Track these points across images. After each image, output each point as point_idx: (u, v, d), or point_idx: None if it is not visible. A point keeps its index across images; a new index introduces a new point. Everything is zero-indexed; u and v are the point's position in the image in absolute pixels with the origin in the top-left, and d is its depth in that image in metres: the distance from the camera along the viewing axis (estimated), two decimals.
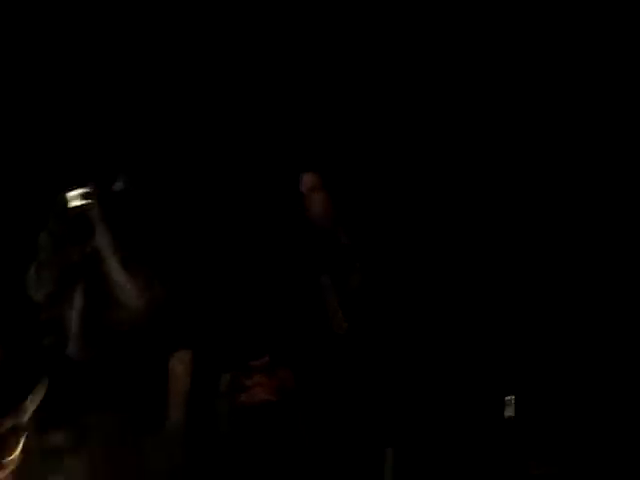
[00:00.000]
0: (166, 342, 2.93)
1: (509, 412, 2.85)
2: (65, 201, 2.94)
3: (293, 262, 2.97)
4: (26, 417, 2.12)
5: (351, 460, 2.69)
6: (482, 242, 3.42)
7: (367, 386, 2.72)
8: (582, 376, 3.16)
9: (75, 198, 2.92)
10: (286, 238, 3.19)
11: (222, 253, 3.53)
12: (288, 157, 3.40)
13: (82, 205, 2.92)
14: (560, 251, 3.42)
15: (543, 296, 3.36)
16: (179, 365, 2.89)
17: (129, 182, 3.01)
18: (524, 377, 3.09)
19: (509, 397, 2.88)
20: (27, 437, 2.13)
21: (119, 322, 2.91)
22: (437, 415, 2.87)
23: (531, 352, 3.22)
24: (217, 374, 2.82)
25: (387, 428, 2.76)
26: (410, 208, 3.38)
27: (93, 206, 2.92)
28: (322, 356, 2.75)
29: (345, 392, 2.70)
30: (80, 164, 3.42)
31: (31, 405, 2.15)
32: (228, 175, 3.65)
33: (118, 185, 3.01)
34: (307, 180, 2.91)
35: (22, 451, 2.12)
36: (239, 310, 3.27)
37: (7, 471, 2.14)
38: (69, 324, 2.95)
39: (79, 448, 2.60)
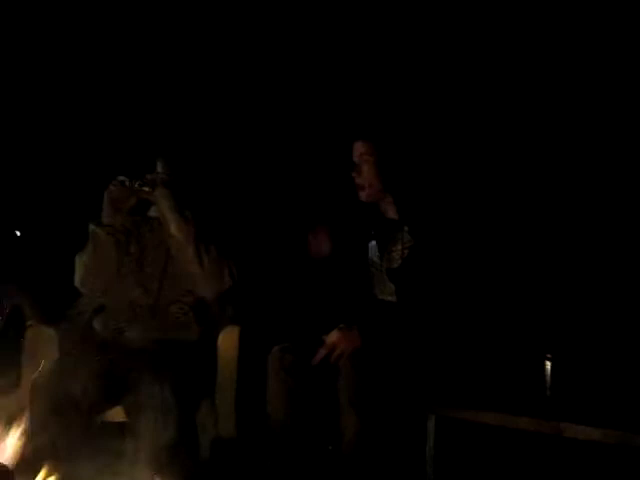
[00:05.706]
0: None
1: (547, 372, 2.91)
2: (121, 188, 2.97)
3: (341, 229, 3.03)
4: None
5: (395, 424, 2.74)
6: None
7: (413, 350, 2.77)
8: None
9: (135, 184, 2.96)
10: (334, 208, 3.28)
11: (270, 227, 3.60)
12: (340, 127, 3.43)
13: (142, 190, 2.97)
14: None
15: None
16: (227, 342, 2.94)
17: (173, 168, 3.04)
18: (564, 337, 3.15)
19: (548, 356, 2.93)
20: None
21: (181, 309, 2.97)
22: (481, 381, 2.91)
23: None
24: (266, 348, 2.86)
25: (430, 393, 2.81)
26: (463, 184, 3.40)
27: (155, 190, 2.96)
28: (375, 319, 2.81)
29: (393, 355, 2.75)
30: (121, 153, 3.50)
31: None
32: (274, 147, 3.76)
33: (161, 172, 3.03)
34: (358, 147, 2.91)
35: None
36: (289, 282, 3.33)
37: None
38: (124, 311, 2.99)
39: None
